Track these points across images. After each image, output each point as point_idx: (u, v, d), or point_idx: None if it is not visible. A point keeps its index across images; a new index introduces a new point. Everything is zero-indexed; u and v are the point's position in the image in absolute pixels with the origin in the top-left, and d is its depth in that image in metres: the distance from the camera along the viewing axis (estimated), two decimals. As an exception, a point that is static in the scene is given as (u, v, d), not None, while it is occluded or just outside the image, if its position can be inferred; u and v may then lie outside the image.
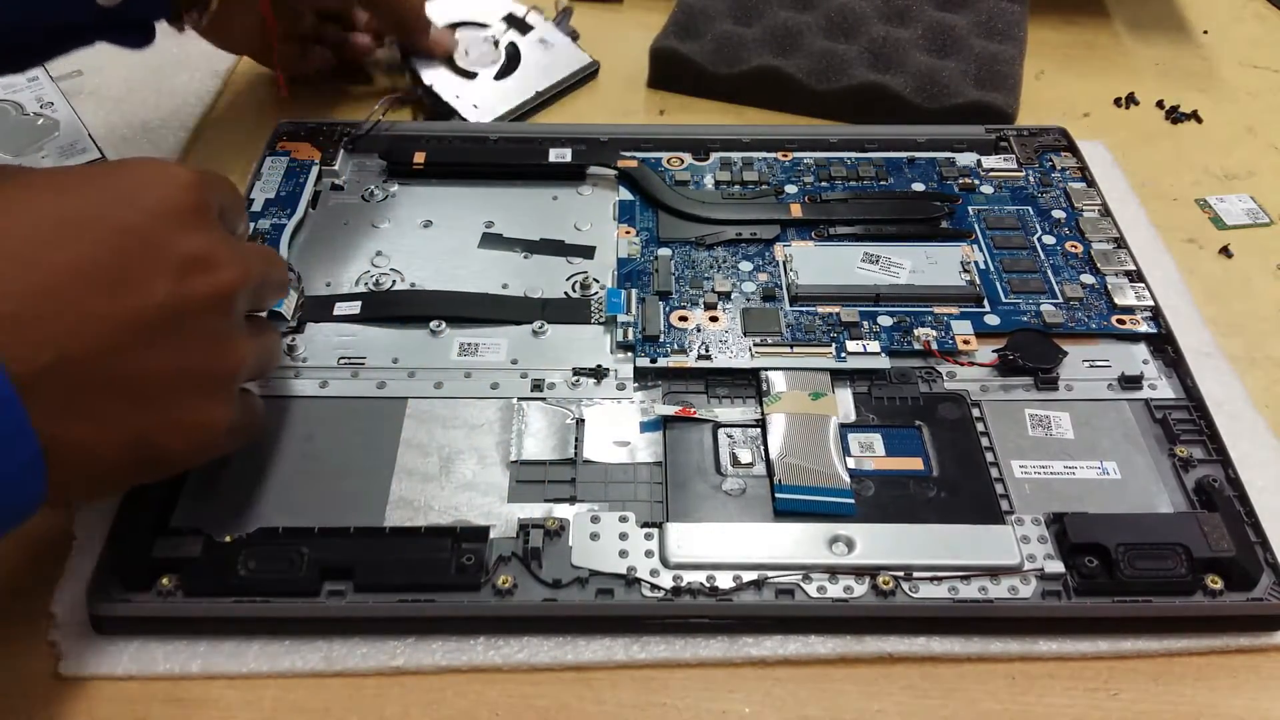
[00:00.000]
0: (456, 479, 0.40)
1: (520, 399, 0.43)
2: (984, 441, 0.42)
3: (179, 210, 0.31)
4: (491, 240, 0.51)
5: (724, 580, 0.37)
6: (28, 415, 0.27)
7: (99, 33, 0.45)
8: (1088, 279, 0.48)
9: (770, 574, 0.37)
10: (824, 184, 0.54)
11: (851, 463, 0.41)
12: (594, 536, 0.38)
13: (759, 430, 0.42)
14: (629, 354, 0.45)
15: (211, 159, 0.58)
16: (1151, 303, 0.47)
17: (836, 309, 0.47)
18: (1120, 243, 0.50)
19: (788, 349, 0.45)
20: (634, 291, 0.47)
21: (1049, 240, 0.51)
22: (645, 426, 0.42)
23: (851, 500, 0.39)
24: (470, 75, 0.61)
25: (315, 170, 0.53)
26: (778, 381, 0.43)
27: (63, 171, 0.32)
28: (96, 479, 0.31)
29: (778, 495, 0.39)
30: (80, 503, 0.35)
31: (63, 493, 0.30)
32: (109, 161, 0.32)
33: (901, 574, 0.37)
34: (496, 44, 0.63)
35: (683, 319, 0.46)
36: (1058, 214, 0.52)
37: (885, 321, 0.46)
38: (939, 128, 0.57)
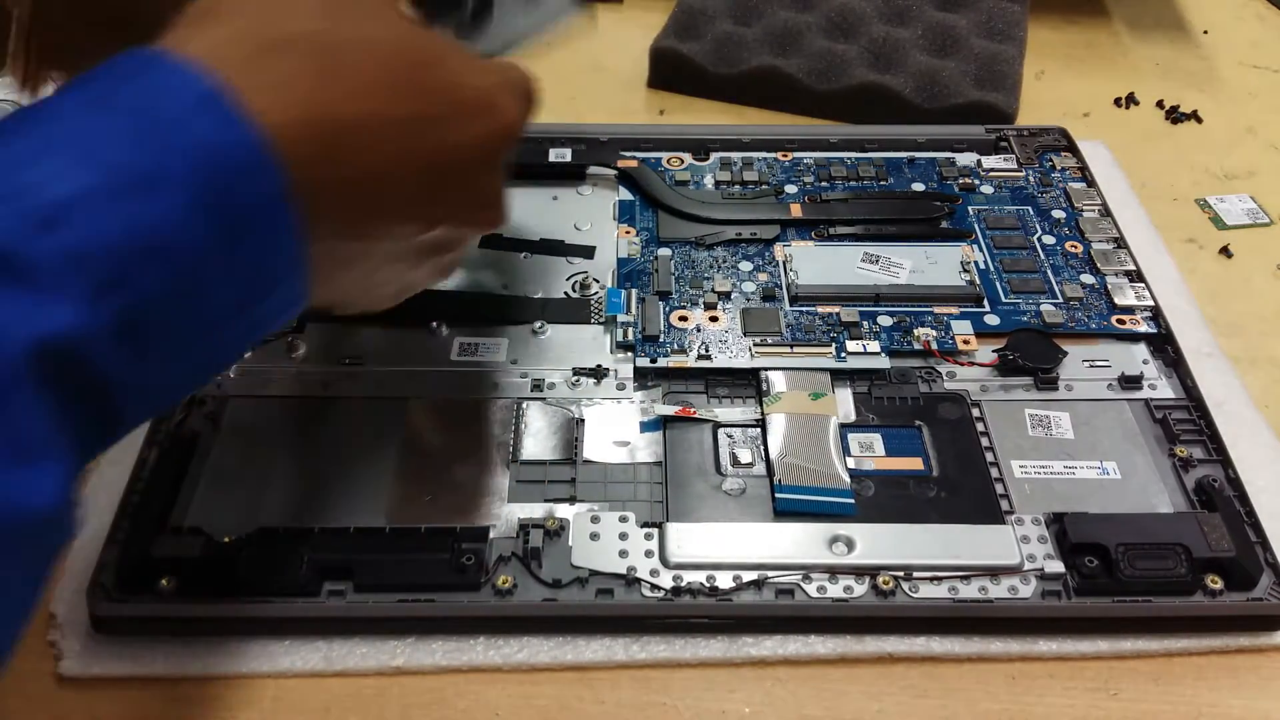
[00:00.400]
0: (457, 479, 0.40)
1: (520, 399, 0.43)
2: (984, 441, 0.42)
3: (500, 151, 0.32)
4: (491, 240, 0.51)
5: (724, 580, 0.37)
6: (307, 263, 0.28)
7: None
8: (1088, 279, 0.48)
9: (770, 574, 0.37)
10: (824, 184, 0.54)
11: (851, 463, 0.41)
12: (594, 536, 0.38)
13: (759, 430, 0.42)
14: (629, 354, 0.45)
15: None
16: (1151, 303, 0.47)
17: (836, 309, 0.47)
18: (1120, 243, 0.50)
19: (788, 349, 0.45)
20: (634, 291, 0.47)
21: (1049, 240, 0.51)
22: (645, 426, 0.42)
23: (851, 500, 0.39)
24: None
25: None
26: (778, 381, 0.43)
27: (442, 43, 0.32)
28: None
29: (778, 495, 0.39)
30: None
31: None
32: (479, 60, 0.33)
33: (901, 574, 0.37)
34: None
35: (683, 319, 0.46)
36: (1058, 214, 0.52)
37: (885, 321, 0.46)
38: (939, 128, 0.57)
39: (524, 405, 0.43)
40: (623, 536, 0.38)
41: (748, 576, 0.37)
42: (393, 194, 0.30)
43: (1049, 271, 0.49)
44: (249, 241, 0.26)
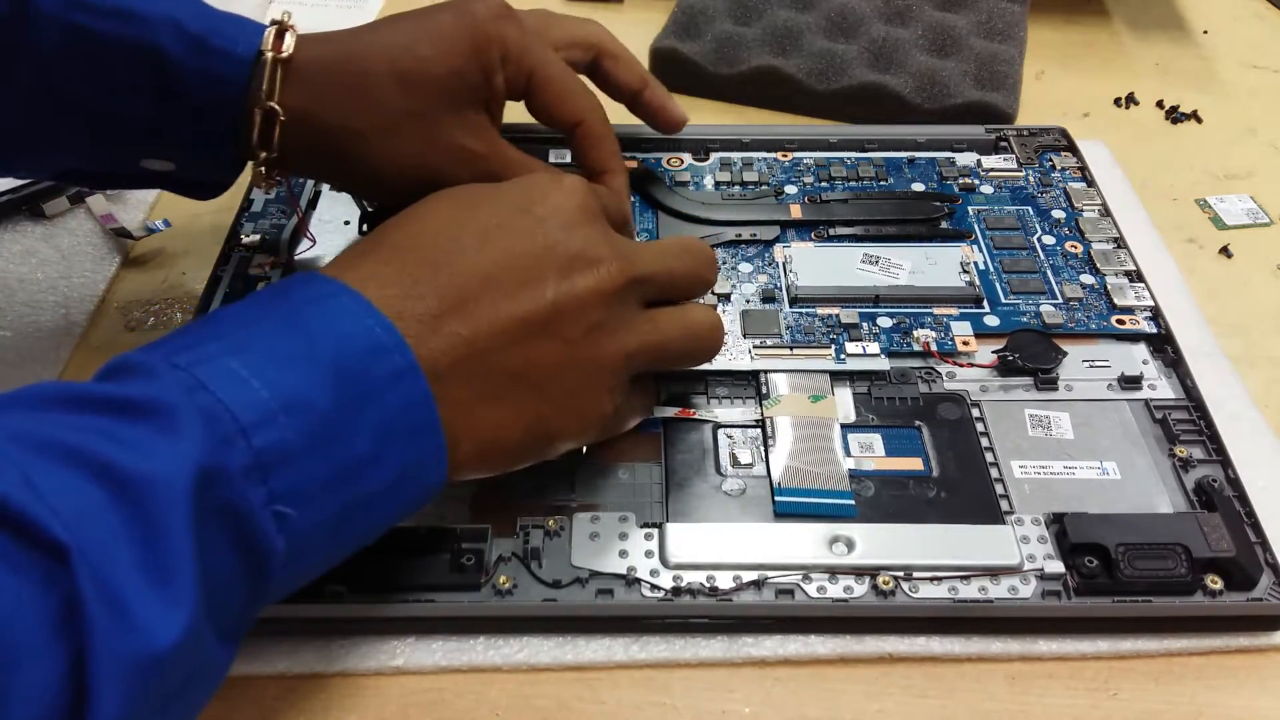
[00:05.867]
0: (456, 479, 0.40)
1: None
2: (984, 442, 0.42)
3: (567, 212, 0.36)
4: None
5: (724, 580, 0.37)
6: (438, 412, 0.31)
7: (157, 183, 0.44)
8: (1087, 279, 0.48)
9: (770, 574, 0.37)
10: (824, 184, 0.54)
11: (851, 463, 0.41)
12: (594, 536, 0.38)
13: (759, 430, 0.42)
14: (629, 354, 0.45)
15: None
16: (1151, 303, 0.47)
17: (836, 310, 0.47)
18: (1120, 243, 0.50)
19: (787, 350, 0.45)
20: (634, 292, 0.47)
21: (1049, 240, 0.51)
22: (645, 427, 0.42)
23: (852, 501, 0.39)
24: None
25: (315, 171, 0.53)
26: (778, 384, 0.43)
27: (480, 188, 0.37)
28: (499, 458, 0.35)
29: (778, 499, 0.39)
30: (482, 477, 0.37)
31: (468, 471, 0.34)
32: (518, 180, 0.38)
33: (901, 574, 0.37)
34: None
35: (683, 319, 0.46)
36: (1058, 214, 0.52)
37: (885, 323, 0.46)
38: (939, 128, 0.57)
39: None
40: (623, 536, 0.38)
41: (748, 577, 0.37)
42: (496, 288, 0.34)
43: (1049, 272, 0.49)
44: (378, 404, 0.30)
